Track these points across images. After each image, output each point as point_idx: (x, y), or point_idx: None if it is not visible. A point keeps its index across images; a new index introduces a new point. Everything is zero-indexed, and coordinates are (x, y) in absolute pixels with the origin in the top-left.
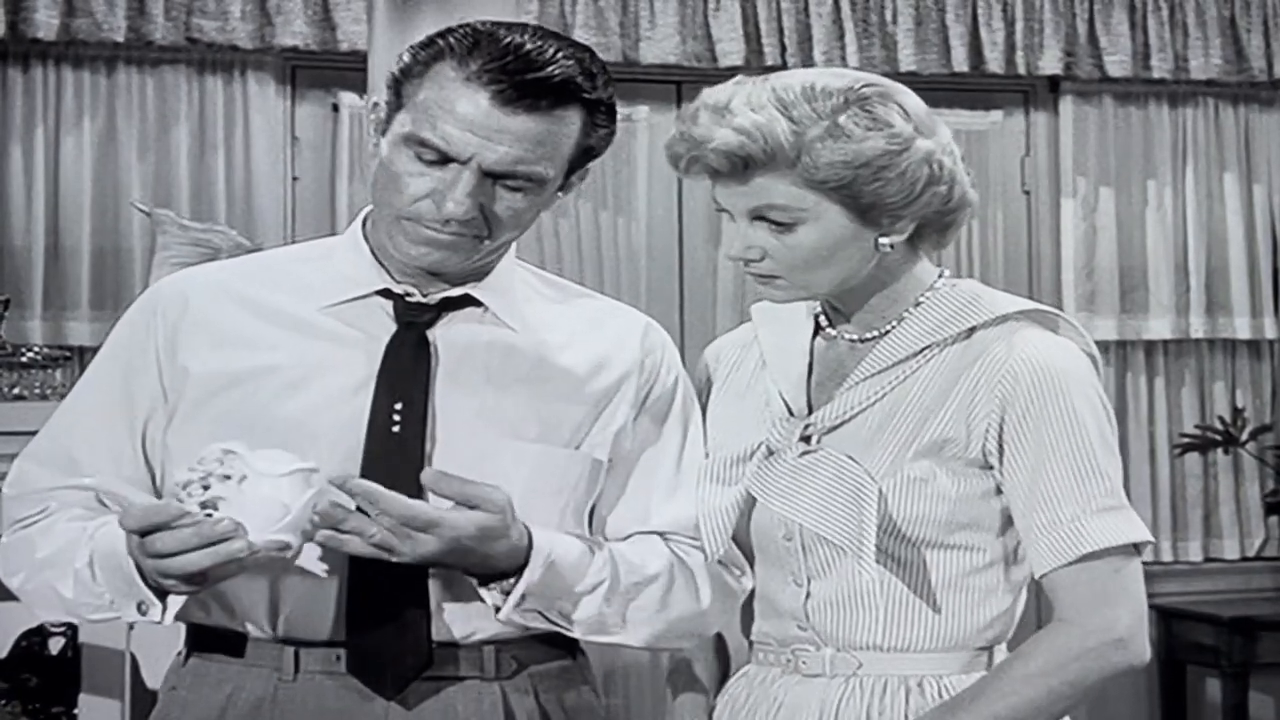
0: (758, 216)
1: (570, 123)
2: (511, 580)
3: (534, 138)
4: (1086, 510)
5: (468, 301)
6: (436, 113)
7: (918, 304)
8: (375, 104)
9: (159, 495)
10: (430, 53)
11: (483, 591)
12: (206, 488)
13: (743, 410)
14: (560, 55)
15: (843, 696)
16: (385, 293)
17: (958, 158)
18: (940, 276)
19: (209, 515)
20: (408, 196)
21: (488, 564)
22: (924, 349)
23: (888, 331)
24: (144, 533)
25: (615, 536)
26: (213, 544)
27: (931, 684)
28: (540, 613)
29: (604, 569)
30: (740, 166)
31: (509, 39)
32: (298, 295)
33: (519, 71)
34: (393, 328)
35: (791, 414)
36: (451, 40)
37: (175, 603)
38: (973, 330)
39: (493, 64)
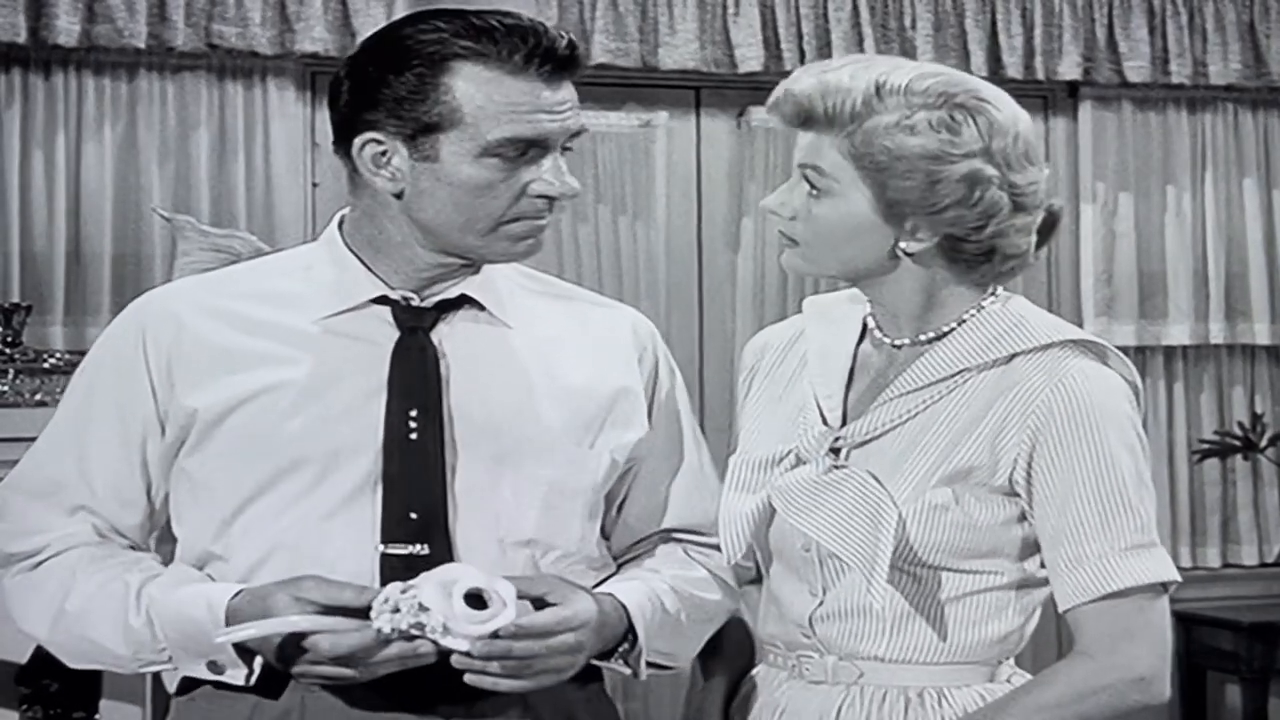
0: (804, 175)
1: None
2: (625, 645)
3: (575, 101)
4: (1114, 548)
5: (464, 301)
6: (507, 110)
7: (962, 321)
8: (375, 142)
9: (153, 511)
10: (433, 71)
11: (604, 666)
12: (415, 625)
13: (778, 413)
14: (550, 27)
15: (843, 704)
16: (381, 299)
17: (1028, 205)
18: (992, 294)
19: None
20: (507, 198)
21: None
22: (961, 371)
23: (929, 342)
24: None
25: (633, 537)
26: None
27: (931, 696)
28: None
29: (678, 605)
30: (802, 118)
31: (513, 22)
32: (291, 309)
33: (549, 49)
34: (394, 334)
35: (826, 423)
36: (458, 46)
37: (259, 664)
38: (1013, 356)
39: (528, 49)
